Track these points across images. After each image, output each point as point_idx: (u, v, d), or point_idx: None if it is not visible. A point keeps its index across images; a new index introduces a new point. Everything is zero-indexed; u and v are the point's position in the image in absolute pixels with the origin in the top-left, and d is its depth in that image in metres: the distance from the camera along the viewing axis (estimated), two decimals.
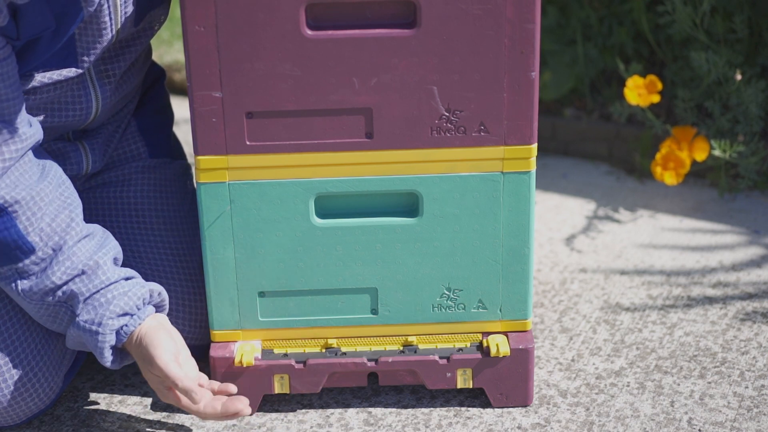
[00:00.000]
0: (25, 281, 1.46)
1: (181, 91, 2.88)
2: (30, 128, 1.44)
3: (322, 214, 1.52)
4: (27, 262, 1.45)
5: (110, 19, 1.47)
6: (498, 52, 1.43)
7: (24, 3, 1.35)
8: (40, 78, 1.47)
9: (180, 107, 2.78)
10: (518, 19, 1.41)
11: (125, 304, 1.49)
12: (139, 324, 1.49)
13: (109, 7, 1.46)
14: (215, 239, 1.51)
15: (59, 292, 1.48)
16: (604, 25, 2.48)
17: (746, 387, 1.65)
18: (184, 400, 1.48)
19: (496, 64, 1.43)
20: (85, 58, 1.48)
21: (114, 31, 1.49)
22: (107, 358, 1.50)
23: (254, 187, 1.49)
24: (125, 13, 1.49)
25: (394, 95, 1.45)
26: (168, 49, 3.03)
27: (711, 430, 1.55)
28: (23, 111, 1.43)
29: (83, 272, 1.48)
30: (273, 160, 1.48)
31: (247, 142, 1.47)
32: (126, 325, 1.49)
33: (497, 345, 1.56)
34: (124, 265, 1.66)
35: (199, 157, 1.47)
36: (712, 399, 1.62)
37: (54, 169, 1.49)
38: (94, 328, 1.48)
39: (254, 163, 1.48)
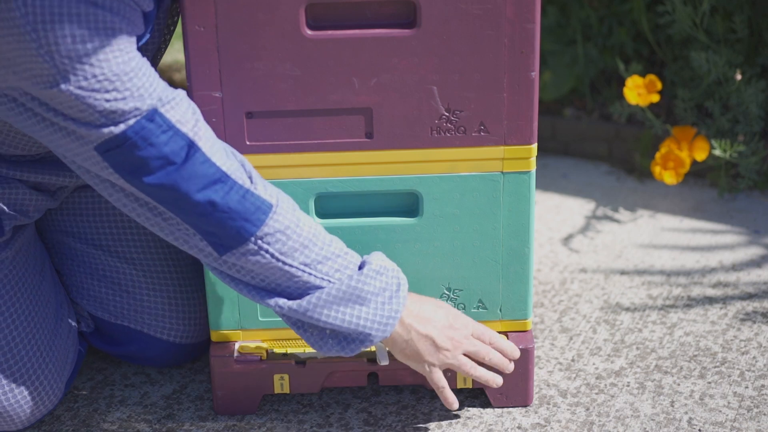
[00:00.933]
0: (276, 244, 1.37)
1: None
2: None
3: (322, 214, 1.52)
4: (271, 223, 1.37)
5: (165, 14, 1.47)
6: (498, 52, 1.43)
7: (150, 10, 1.34)
8: None
9: None
10: (518, 19, 1.41)
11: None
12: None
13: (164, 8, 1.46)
14: None
15: (331, 249, 1.41)
16: (604, 25, 2.48)
17: (746, 387, 1.65)
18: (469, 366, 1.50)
19: (496, 64, 1.43)
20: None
21: (161, 29, 1.49)
22: (386, 334, 1.44)
23: None
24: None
25: (394, 95, 1.45)
26: (168, 49, 3.03)
27: (711, 430, 1.55)
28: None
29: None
30: (273, 160, 1.48)
31: (247, 142, 1.47)
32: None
33: None
34: (113, 266, 1.67)
35: None
36: (712, 399, 1.62)
37: None
38: (395, 280, 1.43)
39: (254, 163, 1.47)
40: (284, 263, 1.38)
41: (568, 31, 2.51)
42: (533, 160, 1.50)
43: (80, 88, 1.27)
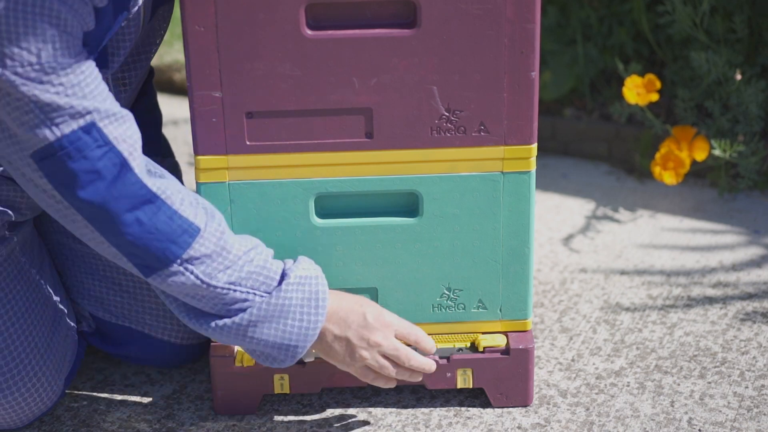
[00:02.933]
0: (201, 266, 1.38)
1: (181, 91, 2.88)
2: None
3: (322, 214, 1.52)
4: (197, 246, 1.37)
5: (139, 16, 1.47)
6: (498, 52, 1.43)
7: (103, 6, 1.33)
8: None
9: (180, 107, 2.78)
10: (518, 19, 1.41)
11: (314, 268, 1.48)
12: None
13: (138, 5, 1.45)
14: None
15: (253, 266, 1.41)
16: (604, 25, 2.48)
17: (746, 387, 1.65)
18: (413, 361, 1.48)
19: (496, 64, 1.43)
20: (115, 59, 1.48)
21: (139, 29, 1.48)
22: (309, 342, 1.45)
23: (254, 187, 1.49)
24: (144, 8, 1.49)
25: (394, 95, 1.45)
26: (168, 49, 3.03)
27: (711, 430, 1.55)
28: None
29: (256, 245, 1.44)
30: (273, 160, 1.48)
31: (247, 142, 1.47)
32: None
33: (492, 338, 1.56)
34: (114, 267, 1.66)
35: (199, 157, 1.47)
36: (712, 399, 1.62)
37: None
38: (313, 301, 1.44)
39: (254, 163, 1.48)
40: (209, 285, 1.39)
41: (568, 31, 2.51)
42: (533, 160, 1.50)
43: (16, 74, 1.26)
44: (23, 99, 1.27)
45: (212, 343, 1.59)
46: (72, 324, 1.63)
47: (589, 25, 2.51)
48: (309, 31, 1.41)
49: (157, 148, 1.75)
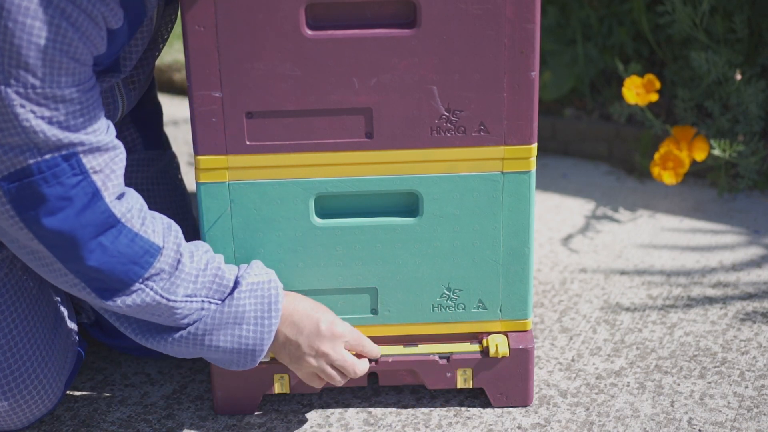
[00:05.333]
0: (161, 282, 1.40)
1: (181, 91, 2.88)
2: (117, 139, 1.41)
3: (322, 214, 1.52)
4: (158, 265, 1.39)
5: (151, 23, 1.46)
6: (498, 52, 1.43)
7: (117, 28, 1.33)
8: None
9: (180, 107, 2.78)
10: (518, 19, 1.41)
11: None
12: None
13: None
14: (215, 239, 1.51)
15: (206, 276, 1.43)
16: (604, 25, 2.48)
17: (746, 387, 1.65)
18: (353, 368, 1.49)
19: (496, 64, 1.43)
20: (127, 63, 1.48)
21: (151, 34, 1.48)
22: (267, 346, 1.46)
23: (254, 187, 1.49)
24: (156, 15, 1.48)
25: (394, 95, 1.45)
26: (168, 49, 3.03)
27: (711, 430, 1.55)
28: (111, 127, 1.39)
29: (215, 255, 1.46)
30: (273, 160, 1.48)
31: (247, 142, 1.47)
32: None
33: (497, 345, 1.56)
34: None
35: (199, 157, 1.47)
36: (712, 399, 1.62)
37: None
38: (267, 306, 1.44)
39: (254, 163, 1.48)
40: (168, 299, 1.41)
41: (568, 31, 2.51)
42: (533, 160, 1.50)
43: (17, 93, 1.26)
44: (14, 120, 1.27)
45: None
46: (73, 324, 1.63)
47: (589, 25, 2.51)
48: (309, 31, 1.41)
49: (158, 141, 1.76)
